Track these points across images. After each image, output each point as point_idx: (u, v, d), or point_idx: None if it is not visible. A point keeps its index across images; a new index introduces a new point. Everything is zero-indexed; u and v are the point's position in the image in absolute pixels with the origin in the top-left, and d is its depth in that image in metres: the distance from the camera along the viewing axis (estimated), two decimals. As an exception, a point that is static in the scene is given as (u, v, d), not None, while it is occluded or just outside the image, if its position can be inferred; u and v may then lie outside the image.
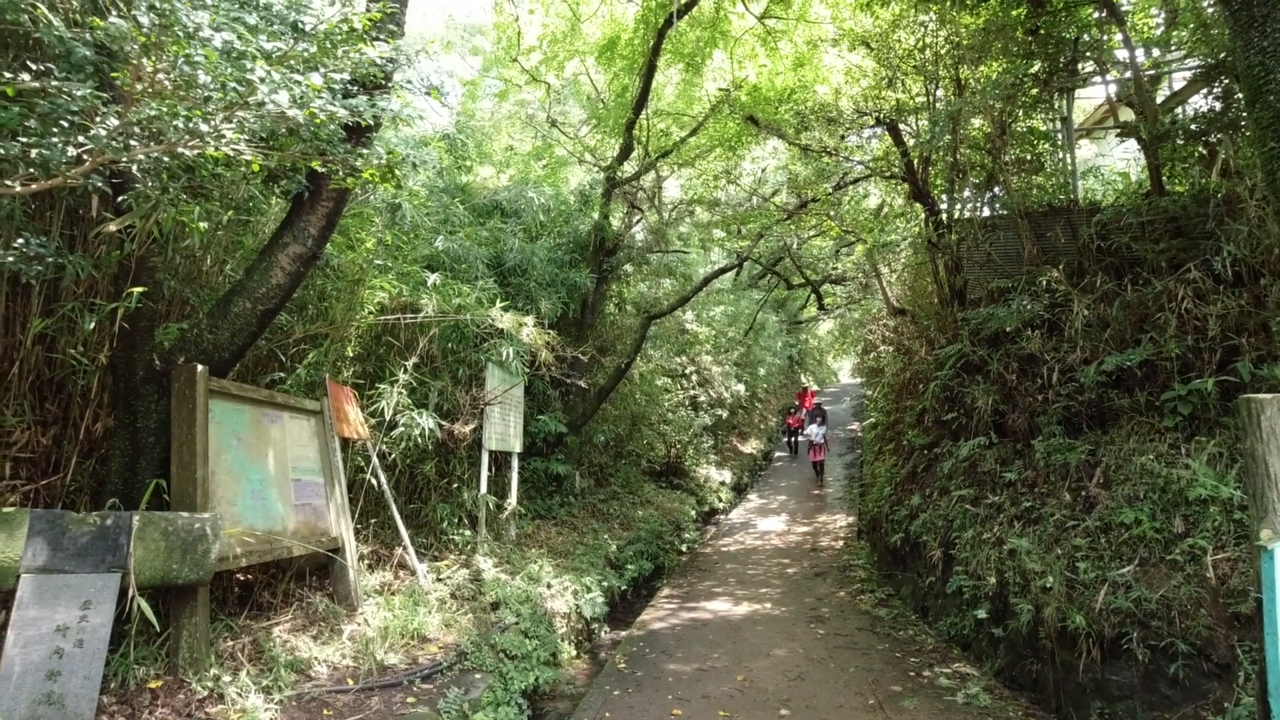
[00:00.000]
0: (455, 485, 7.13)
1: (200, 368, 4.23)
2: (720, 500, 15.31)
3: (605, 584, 7.88)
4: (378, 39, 3.52)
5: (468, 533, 7.10)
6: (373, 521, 6.34)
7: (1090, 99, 11.33)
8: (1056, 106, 8.02)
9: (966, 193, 8.43)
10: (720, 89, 11.42)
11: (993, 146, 7.45)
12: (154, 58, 2.53)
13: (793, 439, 21.11)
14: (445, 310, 6.65)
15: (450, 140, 9.31)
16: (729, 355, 19.08)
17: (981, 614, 5.67)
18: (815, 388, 29.05)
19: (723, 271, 13.72)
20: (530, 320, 6.96)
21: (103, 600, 3.39)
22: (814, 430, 16.80)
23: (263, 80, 2.62)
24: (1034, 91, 7.34)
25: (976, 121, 8.13)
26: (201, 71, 2.54)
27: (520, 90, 12.79)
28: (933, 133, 7.76)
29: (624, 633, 7.50)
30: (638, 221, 11.13)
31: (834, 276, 17.18)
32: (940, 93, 8.66)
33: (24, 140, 2.59)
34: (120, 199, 3.33)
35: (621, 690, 5.45)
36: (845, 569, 9.94)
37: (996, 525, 5.94)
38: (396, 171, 3.64)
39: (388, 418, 6.23)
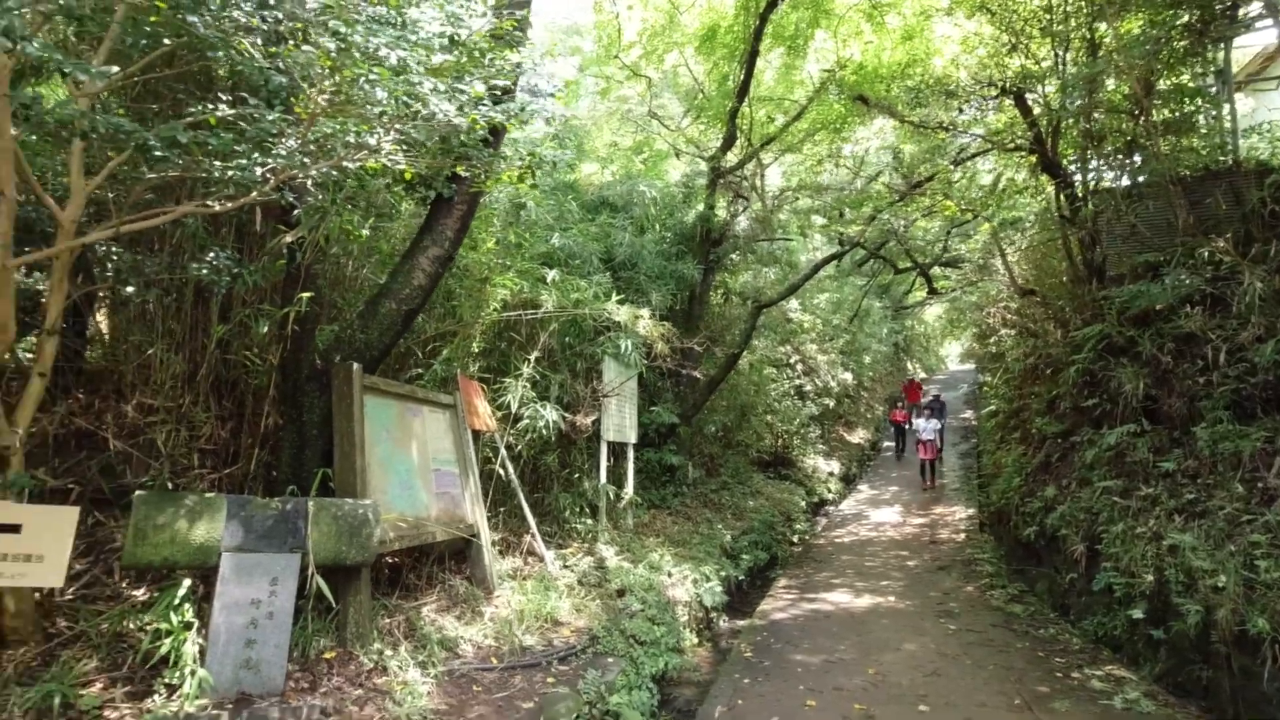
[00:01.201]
0: (576, 475, 7.34)
1: (356, 366, 4.56)
2: (829, 491, 14.99)
3: (723, 573, 7.90)
4: (508, 46, 3.68)
5: (589, 521, 7.30)
6: (501, 510, 6.64)
7: (1244, 48, 10.22)
8: (1210, 59, 7.28)
9: (1103, 161, 7.82)
10: (824, 70, 11.12)
11: (1136, 108, 6.86)
12: (335, 79, 2.77)
13: (899, 438, 18.92)
14: (564, 305, 6.85)
15: (559, 139, 9.56)
16: (833, 343, 18.60)
17: (1137, 614, 5.28)
18: (922, 376, 27.82)
19: (834, 257, 13.35)
20: (646, 313, 7.05)
21: (287, 577, 3.74)
22: (923, 425, 15.08)
23: (433, 92, 2.80)
24: (1183, 44, 6.70)
25: (1112, 83, 7.52)
26: (379, 89, 2.76)
27: (620, 86, 12.93)
28: (1064, 98, 7.24)
29: (742, 622, 7.50)
30: (743, 210, 11.03)
31: (945, 259, 16.37)
32: (1070, 55, 8.06)
33: (220, 164, 2.88)
34: (295, 211, 3.65)
35: (750, 679, 5.46)
36: (969, 563, 9.51)
37: (1152, 519, 5.51)
38: (536, 172, 3.78)
39: (513, 410, 6.49)
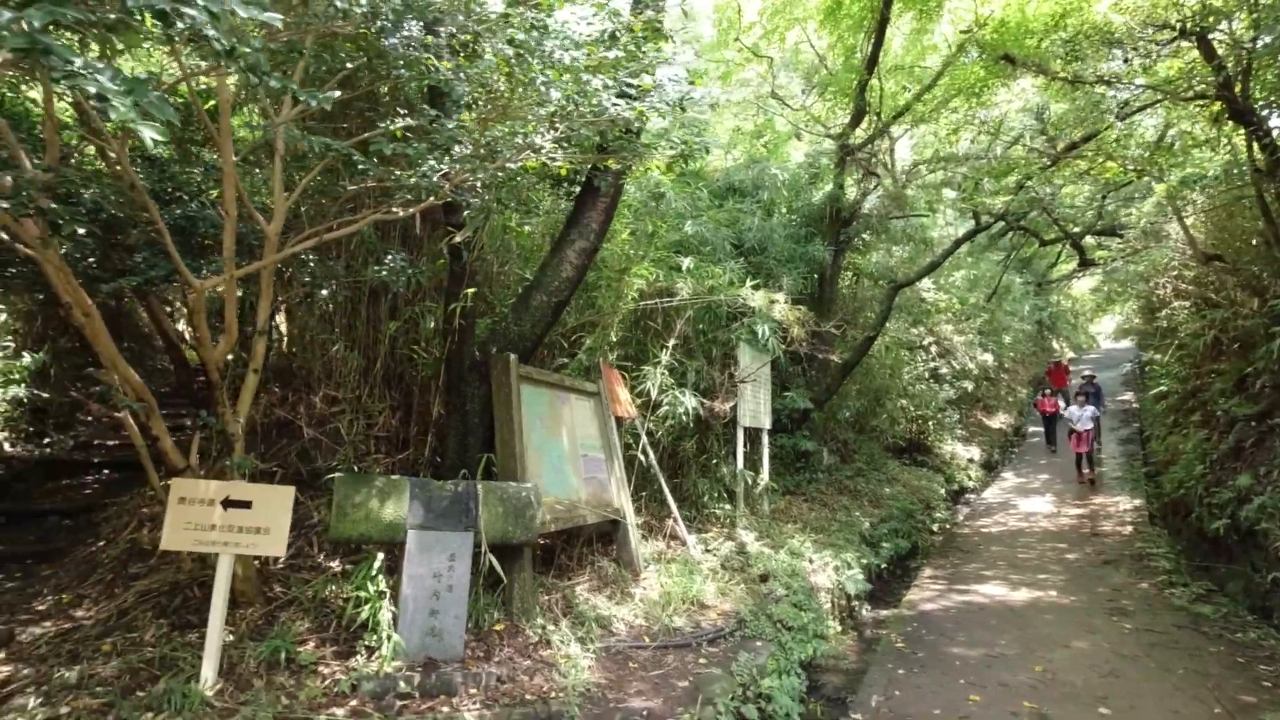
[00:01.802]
0: (714, 461, 7.38)
1: (513, 357, 4.82)
2: (969, 478, 14.16)
3: (863, 561, 7.70)
4: (658, 38, 3.74)
5: (727, 506, 7.33)
6: (642, 495, 6.79)
7: None
8: None
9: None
10: (961, 31, 10.42)
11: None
12: (510, 84, 2.94)
13: (1049, 426, 16.68)
14: (699, 292, 6.89)
15: (687, 127, 9.58)
16: (970, 323, 17.49)
17: (1365, 618, 4.64)
18: (1070, 356, 25.56)
19: (976, 232, 12.52)
20: (781, 296, 6.96)
21: (463, 554, 4.03)
22: (1076, 413, 12.97)
23: (604, 89, 2.92)
24: None
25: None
26: (554, 89, 2.91)
27: (741, 69, 12.75)
28: (1258, 34, 6.39)
29: (886, 611, 7.28)
30: (873, 188, 10.58)
31: (1100, 227, 14.93)
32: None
33: (404, 172, 3.14)
34: (462, 213, 3.91)
35: (905, 669, 5.30)
36: (1140, 558, 8.68)
37: (1383, 511, 4.81)
38: (686, 160, 3.83)
39: (653, 397, 6.62)
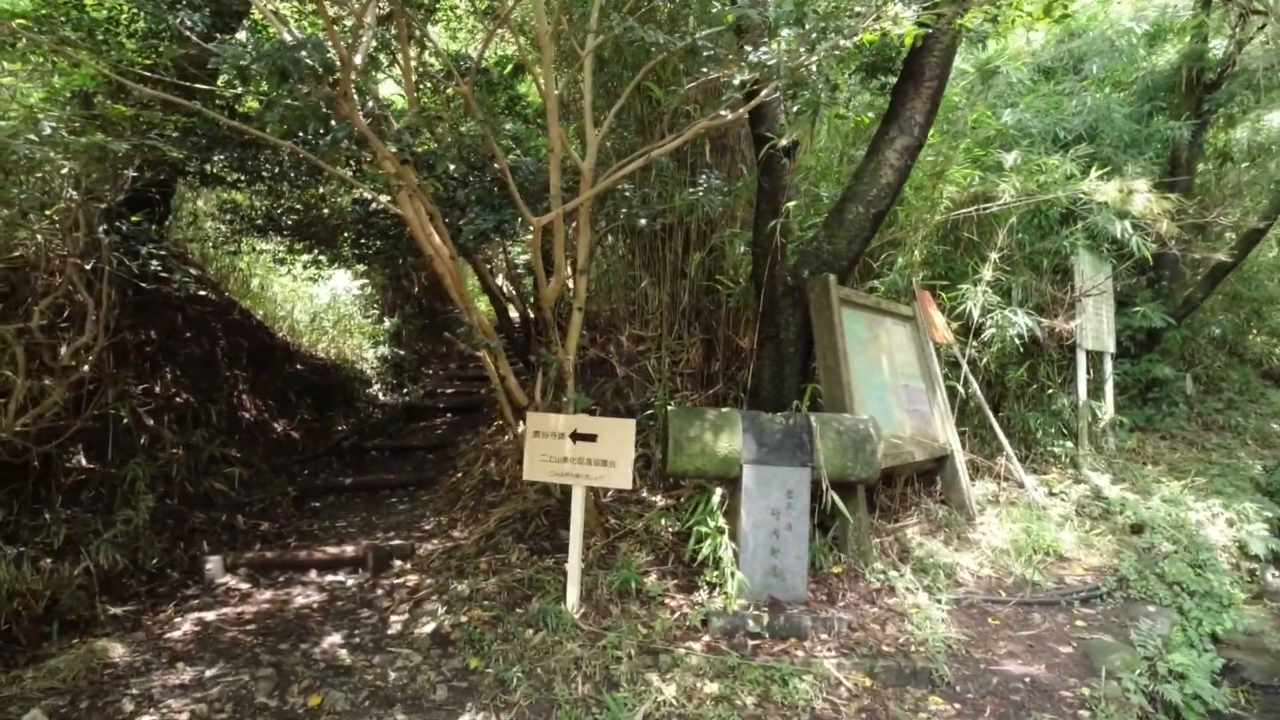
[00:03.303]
0: (1049, 391, 6.28)
1: (832, 277, 4.36)
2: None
3: (1265, 514, 6.07)
4: None
5: (1067, 444, 6.21)
6: (963, 430, 5.99)
7: None
8: None
9: None
10: None
11: None
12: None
13: None
14: (1027, 192, 5.76)
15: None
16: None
17: None
18: None
19: None
20: (1142, 185, 5.54)
21: (800, 491, 3.75)
22: None
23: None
24: None
25: None
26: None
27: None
28: None
29: (1303, 580, 5.67)
30: (1258, 30, 8.01)
31: None
32: None
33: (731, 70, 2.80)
34: (794, 109, 3.50)
35: (1377, 659, 4.00)
36: None
37: None
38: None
39: (975, 319, 5.73)
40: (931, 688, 3.26)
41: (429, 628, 3.57)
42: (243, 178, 5.19)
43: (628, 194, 4.06)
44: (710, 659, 3.23)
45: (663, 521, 4.36)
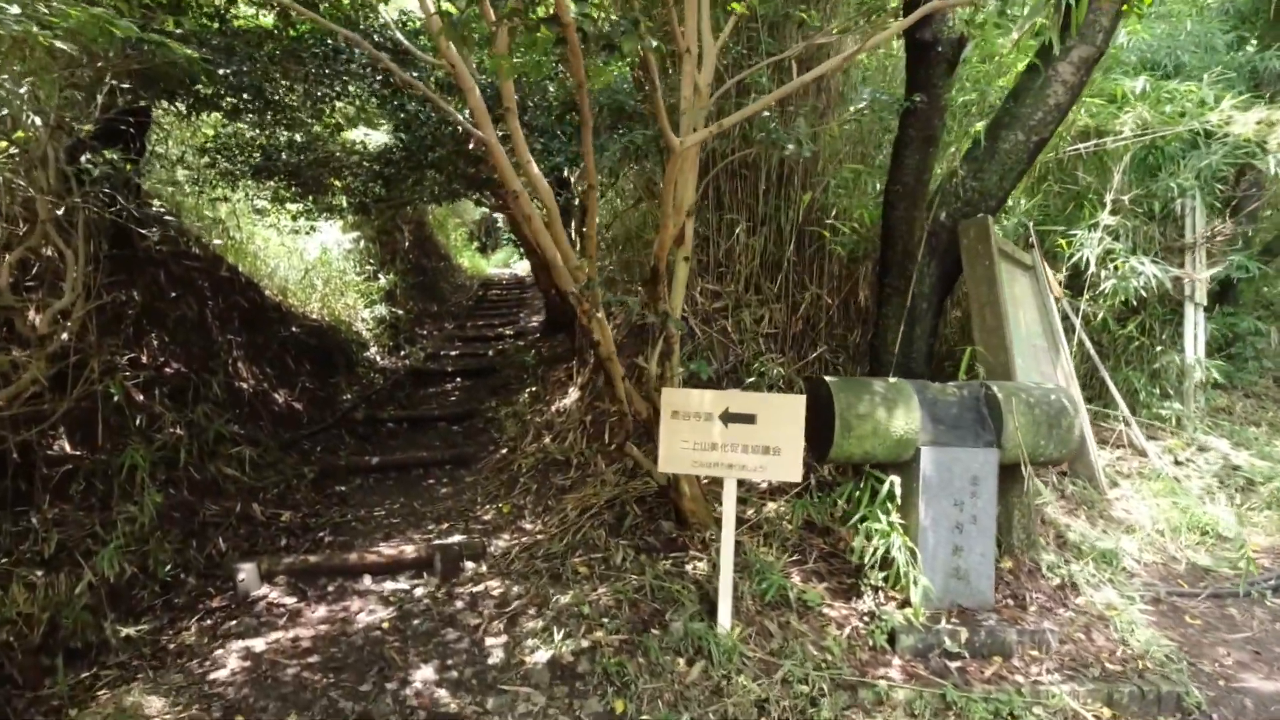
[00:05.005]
0: (1157, 348, 5.71)
1: (988, 219, 3.64)
2: None
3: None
4: None
5: (1175, 405, 5.68)
6: (1071, 393, 5.40)
7: None
8: None
9: None
10: None
11: None
12: None
13: None
14: (1148, 125, 5.07)
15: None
16: None
17: None
18: None
19: None
20: (1287, 114, 4.89)
21: (987, 476, 3.08)
22: None
23: None
24: None
25: None
26: None
27: None
28: None
29: None
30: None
31: None
32: None
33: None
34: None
35: None
36: None
37: None
38: None
39: (1091, 269, 5.08)
40: (1182, 715, 2.67)
41: (543, 656, 2.86)
42: (248, 100, 4.21)
43: (772, 121, 3.25)
44: (920, 691, 2.58)
45: (809, 511, 3.64)
